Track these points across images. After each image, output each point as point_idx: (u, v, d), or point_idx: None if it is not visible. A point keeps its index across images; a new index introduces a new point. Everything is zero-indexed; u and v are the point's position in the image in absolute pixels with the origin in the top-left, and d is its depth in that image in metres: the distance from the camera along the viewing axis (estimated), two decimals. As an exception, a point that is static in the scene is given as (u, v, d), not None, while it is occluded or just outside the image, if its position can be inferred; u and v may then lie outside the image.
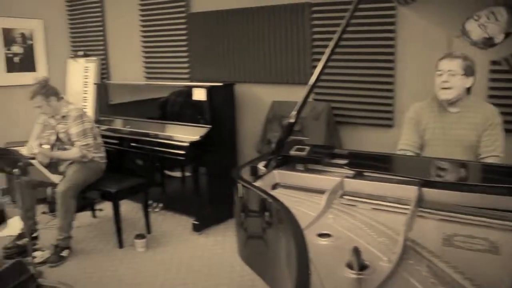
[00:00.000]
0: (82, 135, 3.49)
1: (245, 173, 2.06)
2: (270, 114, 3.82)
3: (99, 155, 3.68)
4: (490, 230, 1.48)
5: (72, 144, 3.53)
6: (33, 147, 3.53)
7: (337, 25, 3.42)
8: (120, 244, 3.59)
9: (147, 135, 4.09)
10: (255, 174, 2.11)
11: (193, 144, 3.69)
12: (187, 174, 4.17)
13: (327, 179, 2.04)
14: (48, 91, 3.47)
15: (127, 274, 3.17)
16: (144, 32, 4.82)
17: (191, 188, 3.95)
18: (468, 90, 2.47)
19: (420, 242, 1.38)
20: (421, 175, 1.88)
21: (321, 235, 1.54)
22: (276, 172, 2.18)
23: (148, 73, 4.90)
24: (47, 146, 3.52)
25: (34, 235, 3.55)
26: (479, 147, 2.44)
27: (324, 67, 2.19)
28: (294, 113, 2.23)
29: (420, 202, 1.70)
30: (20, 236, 3.54)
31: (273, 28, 3.89)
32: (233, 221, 3.98)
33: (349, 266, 1.28)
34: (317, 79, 2.23)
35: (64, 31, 5.49)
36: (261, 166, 2.13)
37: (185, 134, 3.84)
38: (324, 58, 2.19)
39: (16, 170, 2.91)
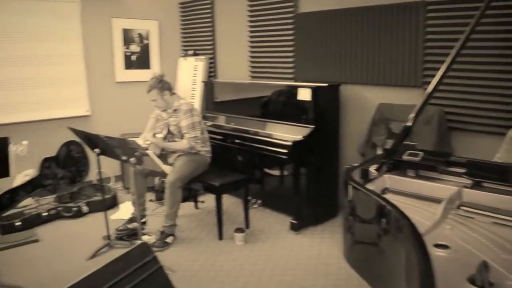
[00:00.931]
0: (191, 127, 3.68)
1: (356, 176, 2.01)
2: (376, 116, 3.70)
3: (205, 149, 3.85)
4: None
5: (181, 136, 3.73)
6: (146, 139, 3.78)
7: (454, 25, 3.28)
8: (220, 236, 3.72)
9: (250, 132, 4.19)
10: (366, 177, 2.05)
11: (296, 143, 3.70)
12: (286, 173, 4.20)
13: (443, 188, 1.93)
14: (163, 85, 3.71)
15: (225, 266, 3.27)
16: (251, 32, 4.94)
17: (290, 187, 3.97)
18: None
19: None
20: None
21: (438, 246, 1.47)
22: (386, 176, 2.11)
23: (253, 72, 5.01)
24: (160, 135, 3.76)
25: (143, 220, 3.81)
26: None
27: (448, 69, 2.08)
28: (412, 116, 2.13)
29: None
30: (130, 220, 3.82)
31: (383, 28, 3.76)
32: (331, 223, 4.00)
33: (472, 281, 1.19)
34: (439, 82, 2.12)
35: (177, 32, 5.83)
36: (372, 169, 2.07)
37: (288, 134, 3.86)
38: (448, 60, 2.07)
39: (132, 159, 3.15)
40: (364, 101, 4.01)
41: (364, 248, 1.83)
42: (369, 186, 1.94)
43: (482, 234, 1.55)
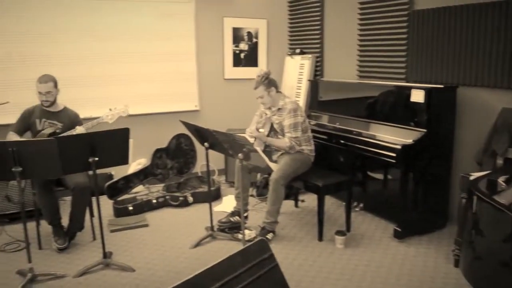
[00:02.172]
0: (293, 127, 3.67)
1: (482, 186, 1.84)
2: (498, 122, 3.37)
3: (309, 148, 3.82)
4: None
5: (283, 135, 3.74)
6: (251, 134, 3.84)
7: None
8: (320, 237, 3.66)
9: (355, 133, 4.07)
10: (493, 189, 1.87)
11: (405, 147, 3.52)
12: (390, 177, 4.02)
13: None
14: (270, 82, 3.74)
15: (324, 267, 3.21)
16: (361, 30, 4.80)
17: (395, 193, 3.77)
18: None
19: None
20: None
21: None
22: (515, 189, 1.90)
23: (361, 71, 4.86)
24: (262, 130, 3.81)
25: (245, 214, 3.88)
26: None
27: None
28: None
29: None
30: (233, 213, 3.92)
31: (510, 25, 3.42)
32: (438, 234, 3.74)
33: None
34: None
35: (284, 30, 5.86)
36: (501, 180, 1.88)
37: (396, 136, 3.69)
38: None
39: (240, 155, 3.21)
40: (484, 105, 3.68)
41: (490, 266, 1.66)
42: (497, 199, 1.77)
43: None
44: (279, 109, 3.78)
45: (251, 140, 3.73)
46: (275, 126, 3.83)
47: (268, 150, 3.88)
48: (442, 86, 3.69)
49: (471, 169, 3.23)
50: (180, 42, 5.15)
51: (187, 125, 3.64)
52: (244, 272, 1.64)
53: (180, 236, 3.78)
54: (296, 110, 3.72)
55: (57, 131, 3.58)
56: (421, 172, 3.65)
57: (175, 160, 4.69)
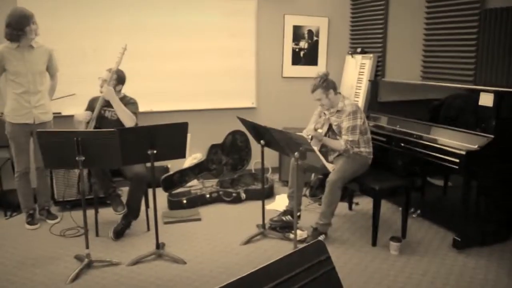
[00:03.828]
0: (350, 130, 3.58)
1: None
2: None
3: (367, 150, 3.71)
4: None
5: (341, 136, 3.66)
6: (308, 133, 3.78)
7: None
8: (374, 242, 3.55)
9: (416, 136, 3.90)
10: None
11: (470, 153, 3.33)
12: (451, 184, 3.83)
13: None
14: (328, 85, 3.65)
15: (377, 274, 3.11)
16: (427, 30, 4.60)
17: (456, 201, 3.58)
18: None
19: None
20: None
21: None
22: None
23: (425, 72, 4.67)
24: (320, 130, 3.75)
25: (297, 214, 3.84)
26: None
27: None
28: None
29: None
30: (285, 212, 3.89)
31: None
32: (501, 246, 3.54)
33: None
34: None
35: (346, 28, 5.75)
36: None
37: (460, 142, 3.50)
38: None
39: (296, 154, 3.18)
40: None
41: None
42: None
43: None
44: (338, 110, 3.70)
45: (308, 138, 3.69)
46: (334, 127, 3.76)
47: (324, 151, 3.81)
48: (513, 90, 3.47)
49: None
50: (240, 39, 5.19)
51: (244, 121, 3.65)
52: (300, 273, 1.61)
53: (231, 232, 3.80)
54: (356, 113, 3.61)
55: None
56: (485, 180, 3.44)
57: (229, 156, 4.74)
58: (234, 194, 4.53)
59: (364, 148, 3.69)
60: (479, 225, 3.52)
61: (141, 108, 3.88)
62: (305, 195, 4.57)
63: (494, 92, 3.39)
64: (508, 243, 3.61)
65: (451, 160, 3.43)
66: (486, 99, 3.44)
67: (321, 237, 3.54)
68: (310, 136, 3.68)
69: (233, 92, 5.25)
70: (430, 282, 3.00)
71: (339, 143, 3.63)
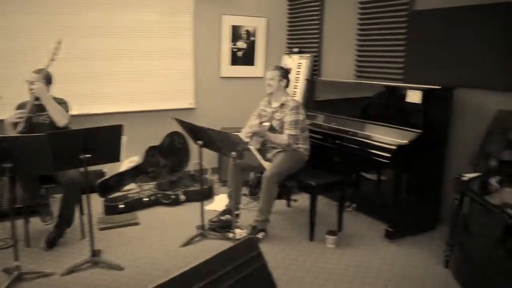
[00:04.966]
0: (293, 125, 3.66)
1: (475, 187, 1.81)
2: (493, 124, 3.33)
3: (304, 147, 3.79)
4: None
5: (281, 132, 3.70)
6: (248, 132, 3.79)
7: None
8: (311, 237, 3.62)
9: (351, 133, 4.03)
10: (485, 190, 1.83)
11: (400, 148, 3.48)
12: (384, 177, 3.99)
13: None
14: (286, 75, 3.84)
15: (314, 267, 3.18)
16: (360, 30, 4.77)
17: (388, 193, 3.73)
18: None
19: None
20: None
21: None
22: (508, 191, 1.87)
23: (359, 71, 4.83)
24: (267, 124, 3.79)
25: (236, 213, 3.84)
26: None
27: None
28: None
29: None
30: (224, 212, 3.88)
31: (509, 27, 3.38)
32: (430, 235, 3.72)
33: None
34: None
35: (283, 29, 5.82)
36: (494, 182, 1.84)
37: (391, 137, 3.65)
38: None
39: (233, 153, 3.18)
40: (480, 107, 3.64)
41: (479, 267, 1.62)
42: (489, 199, 1.73)
43: None
44: (282, 104, 3.77)
45: (247, 138, 3.70)
46: (275, 123, 3.80)
47: (264, 149, 3.84)
48: (439, 87, 3.66)
49: (465, 171, 3.19)
50: (177, 39, 5.10)
51: (181, 122, 3.60)
52: (231, 271, 1.60)
53: (170, 234, 3.73)
54: (298, 108, 3.73)
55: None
56: (414, 173, 3.62)
57: (168, 158, 4.65)
58: (172, 197, 4.45)
59: (302, 145, 3.77)
60: (409, 216, 3.69)
61: (73, 111, 3.72)
62: (245, 194, 4.57)
63: (422, 89, 3.57)
64: (436, 231, 3.82)
65: (383, 155, 3.57)
66: (414, 96, 3.61)
67: (260, 235, 3.56)
68: (250, 134, 3.70)
69: (171, 93, 5.16)
70: (364, 272, 3.11)
71: (282, 138, 3.68)
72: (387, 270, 3.14)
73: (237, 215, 3.86)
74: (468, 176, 2.37)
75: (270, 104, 3.90)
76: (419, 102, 3.57)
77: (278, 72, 3.80)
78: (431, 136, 3.60)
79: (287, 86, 3.87)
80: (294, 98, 3.83)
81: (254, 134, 3.74)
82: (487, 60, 3.56)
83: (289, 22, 5.80)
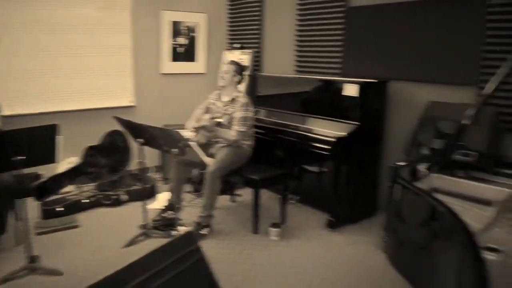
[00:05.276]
0: (242, 121, 3.69)
1: (404, 174, 1.91)
2: (424, 115, 3.51)
3: (249, 143, 3.83)
4: None
5: (226, 127, 3.72)
6: (195, 126, 3.77)
7: None
8: (256, 230, 3.66)
9: (292, 127, 4.11)
10: (415, 176, 1.93)
11: (340, 140, 3.59)
12: (325, 169, 4.10)
13: (496, 190, 1.79)
14: (240, 69, 3.89)
15: (259, 260, 3.22)
16: (299, 26, 4.85)
17: (329, 184, 3.86)
18: None
19: None
20: None
21: (490, 250, 1.36)
22: (435, 176, 1.98)
23: (299, 66, 4.92)
24: (220, 120, 3.78)
25: (179, 208, 3.81)
26: None
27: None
28: (470, 113, 2.00)
29: None
30: (166, 209, 3.82)
31: (439, 23, 3.58)
32: (368, 222, 3.87)
33: None
34: (502, 82, 2.00)
35: (224, 25, 5.81)
36: (422, 168, 1.95)
37: (331, 130, 3.76)
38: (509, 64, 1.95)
39: (175, 150, 3.14)
40: (412, 98, 3.83)
41: (410, 250, 1.72)
42: (418, 185, 1.83)
43: None
44: (232, 99, 3.78)
45: (193, 131, 3.68)
46: (224, 118, 3.80)
47: (208, 143, 3.84)
48: (374, 80, 3.80)
49: (399, 160, 3.35)
50: (115, 35, 4.95)
51: (120, 120, 3.52)
52: (169, 266, 1.59)
53: (112, 236, 3.63)
54: (249, 105, 3.76)
55: None
56: (353, 163, 3.76)
57: (108, 158, 4.51)
58: (114, 197, 4.33)
59: (246, 141, 3.80)
60: (349, 205, 3.83)
61: (5, 112, 3.53)
62: (189, 191, 4.54)
63: (358, 83, 3.70)
64: (374, 218, 3.99)
65: (324, 147, 3.66)
66: (351, 90, 3.74)
67: (204, 230, 3.55)
68: (197, 128, 3.69)
69: (110, 90, 5.01)
70: (307, 261, 3.20)
71: (230, 133, 3.69)
72: (329, 258, 3.24)
73: (179, 211, 3.83)
74: (399, 164, 2.48)
75: (220, 98, 3.90)
76: (356, 95, 3.69)
77: (234, 67, 3.83)
78: (368, 127, 3.74)
79: (239, 82, 3.91)
80: (245, 95, 3.85)
81: (202, 128, 3.73)
82: (419, 54, 3.74)
83: (230, 17, 5.80)
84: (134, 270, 1.46)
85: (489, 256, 1.35)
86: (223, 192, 3.99)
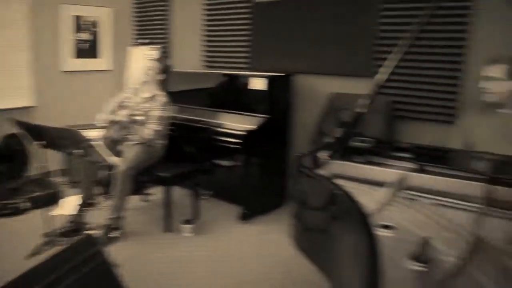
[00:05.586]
0: (160, 120, 3.61)
1: (307, 163, 1.98)
2: (327, 106, 3.70)
3: (162, 142, 3.76)
4: None
5: (142, 124, 3.62)
6: (108, 120, 3.63)
7: (408, 15, 3.33)
8: (168, 229, 3.61)
9: (203, 123, 4.10)
10: (316, 164, 2.01)
11: (249, 133, 3.66)
12: (237, 163, 4.14)
13: (389, 172, 1.93)
14: (165, 69, 3.87)
15: (173, 258, 3.18)
16: (207, 21, 4.85)
17: (241, 177, 3.91)
18: None
19: (489, 240, 1.33)
20: (491, 173, 1.74)
21: (384, 227, 1.48)
22: (335, 163, 2.08)
23: (208, 62, 4.92)
24: (141, 118, 3.65)
25: (87, 210, 3.65)
26: None
27: (398, 60, 2.11)
28: (364, 102, 2.12)
29: (489, 200, 1.58)
30: (74, 215, 3.63)
31: (337, 18, 3.79)
32: (279, 212, 4.00)
33: (413, 257, 1.21)
34: (391, 72, 2.15)
35: (130, 20, 5.63)
36: (322, 156, 2.03)
37: (241, 123, 3.81)
38: (398, 51, 2.10)
39: (79, 151, 3.00)
40: (317, 91, 4.01)
41: (314, 234, 1.80)
42: (320, 172, 1.91)
43: (426, 215, 1.58)
44: (152, 97, 3.69)
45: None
46: (139, 113, 3.68)
47: (118, 140, 3.70)
48: (281, 74, 3.91)
49: (306, 151, 3.50)
50: (10, 31, 4.57)
51: (18, 123, 3.28)
52: (67, 272, 1.51)
53: (13, 248, 3.35)
54: (167, 104, 3.70)
55: None
56: (263, 155, 3.86)
57: (4, 164, 4.18)
58: (14, 206, 3.99)
59: (160, 141, 3.72)
60: (261, 196, 3.93)
61: None
62: (97, 194, 4.34)
63: (266, 77, 3.78)
64: (284, 208, 4.12)
65: (234, 141, 3.71)
66: (259, 84, 3.82)
67: (115, 233, 3.43)
68: (110, 122, 3.57)
69: (5, 91, 4.63)
70: (221, 254, 3.23)
71: (146, 131, 3.59)
72: (242, 250, 3.30)
73: (86, 214, 3.66)
74: (302, 153, 2.58)
75: (137, 94, 3.79)
76: (265, 89, 3.78)
77: (159, 65, 3.77)
78: (276, 120, 3.85)
79: (162, 81, 3.83)
80: (164, 93, 3.76)
81: (116, 123, 3.60)
82: (320, 48, 3.92)
83: (136, 12, 5.62)
84: (28, 279, 1.36)
85: (383, 233, 1.45)
86: (134, 192, 3.86)
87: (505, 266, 1.19)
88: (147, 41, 5.38)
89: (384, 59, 3.39)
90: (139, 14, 5.60)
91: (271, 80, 3.78)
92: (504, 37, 3.05)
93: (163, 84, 3.86)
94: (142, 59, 5.26)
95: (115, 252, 3.16)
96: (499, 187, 1.62)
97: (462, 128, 2.78)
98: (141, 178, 3.73)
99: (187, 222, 3.55)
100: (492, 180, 1.64)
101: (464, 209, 1.56)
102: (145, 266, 3.06)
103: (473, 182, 1.69)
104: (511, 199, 1.56)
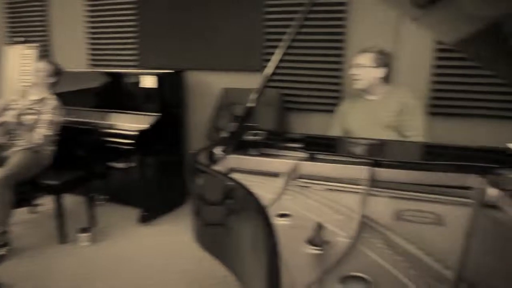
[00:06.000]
0: (50, 125, 3.41)
1: (202, 159, 1.99)
2: (220, 101, 3.76)
3: (50, 149, 3.53)
4: (435, 204, 1.56)
5: (31, 129, 3.38)
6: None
7: (292, 11, 3.49)
8: (63, 240, 3.40)
9: (92, 125, 3.92)
10: (212, 160, 2.04)
11: (142, 132, 3.57)
12: (132, 164, 4.03)
13: (282, 163, 2.03)
14: (55, 72, 3.62)
15: (70, 270, 3.01)
16: (91, 17, 4.61)
17: (138, 179, 3.81)
18: (385, 79, 2.75)
19: (374, 218, 1.45)
20: (372, 156, 1.92)
21: (280, 216, 1.54)
22: (231, 157, 2.13)
23: (94, 60, 4.69)
24: (29, 118, 3.40)
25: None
26: (403, 129, 2.67)
27: (284, 54, 2.22)
28: (253, 97, 2.19)
29: (372, 181, 1.73)
30: None
31: (226, 13, 3.86)
32: (180, 210, 4.00)
33: (309, 242, 1.31)
34: (276, 67, 2.25)
35: (2, 17, 5.14)
36: (217, 151, 2.06)
37: (133, 123, 3.71)
38: (283, 45, 2.21)
39: None
40: (209, 87, 4.05)
41: (214, 229, 1.83)
42: (215, 168, 1.93)
43: (318, 201, 1.68)
44: (42, 99, 3.45)
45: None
46: (27, 117, 3.41)
47: (3, 145, 3.42)
48: (171, 71, 3.87)
49: (201, 147, 3.53)
50: None
51: None
52: None
53: None
54: (58, 109, 3.49)
55: None
56: (159, 155, 3.81)
57: None
58: None
59: (48, 147, 3.49)
60: (160, 197, 3.87)
61: None
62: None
63: (155, 74, 3.71)
64: (185, 206, 4.11)
65: (127, 142, 3.60)
66: (149, 81, 3.74)
67: (2, 250, 3.13)
68: None
69: None
70: (123, 260, 3.13)
71: (35, 136, 3.35)
72: (145, 253, 3.23)
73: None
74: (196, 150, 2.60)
75: (25, 96, 3.52)
76: (155, 87, 3.71)
77: (49, 68, 3.55)
78: (169, 118, 3.81)
79: (53, 84, 3.62)
80: (56, 97, 3.50)
81: (1, 125, 3.35)
82: (210, 44, 3.95)
83: (8, 8, 5.15)
84: None
85: (281, 221, 1.53)
86: (19, 204, 3.56)
87: (390, 240, 1.31)
88: (22, 39, 4.96)
89: (272, 53, 3.59)
90: (11, 10, 5.13)
91: (161, 77, 3.72)
92: (379, 31, 3.33)
93: (53, 87, 3.63)
94: (18, 59, 4.86)
95: (5, 272, 2.93)
96: (380, 169, 1.79)
97: (338, 115, 2.95)
98: (25, 188, 3.45)
99: (84, 230, 3.37)
100: (373, 163, 1.81)
101: (351, 192, 1.70)
102: (42, 282, 2.86)
103: (357, 166, 1.84)
104: (391, 179, 1.73)
